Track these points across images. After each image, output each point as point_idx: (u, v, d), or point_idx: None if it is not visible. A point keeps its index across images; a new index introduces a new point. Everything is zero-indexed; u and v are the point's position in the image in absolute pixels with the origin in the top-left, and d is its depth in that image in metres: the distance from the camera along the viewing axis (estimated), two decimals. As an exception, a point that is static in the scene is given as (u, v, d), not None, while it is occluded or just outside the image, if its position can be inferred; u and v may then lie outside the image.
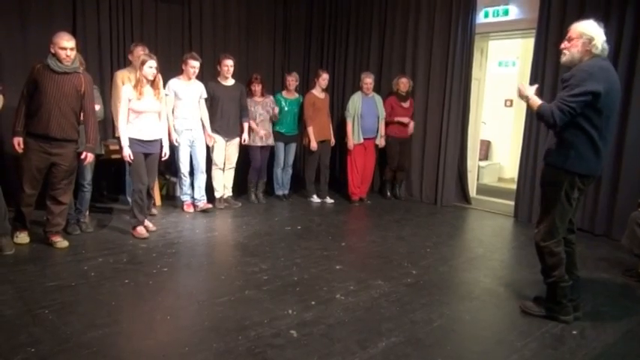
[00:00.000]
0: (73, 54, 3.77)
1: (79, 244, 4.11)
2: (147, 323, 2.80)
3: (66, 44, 3.71)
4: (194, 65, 5.07)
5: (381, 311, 3.07)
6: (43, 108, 3.72)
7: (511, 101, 8.57)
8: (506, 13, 5.90)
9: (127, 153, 4.20)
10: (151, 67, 4.18)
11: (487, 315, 3.15)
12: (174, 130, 5.11)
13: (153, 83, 4.26)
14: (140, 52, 4.66)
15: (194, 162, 5.32)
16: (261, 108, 5.84)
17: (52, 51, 3.74)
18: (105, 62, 5.71)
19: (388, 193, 6.61)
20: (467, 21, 6.01)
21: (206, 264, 3.88)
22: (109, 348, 2.49)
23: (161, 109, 4.38)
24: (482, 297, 3.39)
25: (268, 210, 5.77)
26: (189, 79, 5.14)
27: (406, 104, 6.29)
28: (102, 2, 5.62)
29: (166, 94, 5.07)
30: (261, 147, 5.91)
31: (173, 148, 5.16)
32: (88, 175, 4.41)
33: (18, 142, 3.77)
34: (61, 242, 4.02)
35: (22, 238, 4.02)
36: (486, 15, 6.07)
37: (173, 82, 5.13)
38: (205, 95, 5.31)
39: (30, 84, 3.74)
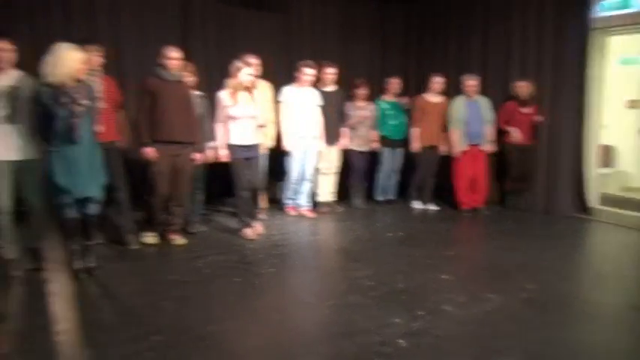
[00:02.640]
0: (179, 64, 4.09)
1: (193, 243, 4.37)
2: (258, 322, 2.89)
3: (173, 54, 4.06)
4: (308, 73, 5.17)
5: (494, 327, 2.88)
6: (165, 115, 4.02)
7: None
8: (627, 5, 5.31)
9: (223, 154, 4.43)
10: (248, 73, 4.32)
11: (618, 340, 2.82)
12: (288, 137, 5.22)
13: (248, 89, 4.37)
14: (249, 60, 4.84)
15: (302, 169, 5.42)
16: (363, 113, 5.84)
17: (161, 62, 4.07)
18: (214, 72, 6.09)
19: (509, 205, 6.12)
20: (582, 16, 5.49)
21: (311, 267, 3.94)
22: (224, 342, 2.61)
23: (257, 113, 4.44)
24: (611, 319, 3.05)
25: (370, 215, 5.73)
26: (304, 86, 5.25)
27: (527, 110, 5.83)
28: (209, 20, 6.01)
29: (279, 101, 5.23)
30: (362, 152, 5.92)
31: (284, 154, 5.30)
32: (201, 178, 4.69)
33: (152, 152, 4.03)
34: (179, 240, 4.31)
35: (151, 239, 4.25)
36: (605, 8, 5.51)
37: (287, 90, 5.27)
38: (321, 102, 5.36)
39: (146, 96, 4.03)
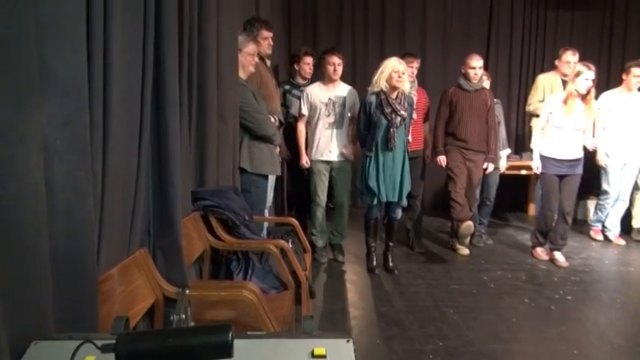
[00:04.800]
0: (480, 72, 4.02)
1: (478, 254, 4.25)
2: (550, 351, 2.59)
3: (475, 64, 3.98)
4: (638, 74, 4.31)
5: None
6: (461, 125, 4.04)
7: None
8: None
9: (536, 165, 3.99)
10: (587, 79, 3.71)
11: None
12: (603, 149, 4.48)
13: (584, 97, 3.81)
14: (570, 57, 4.40)
15: (617, 187, 4.57)
16: None
17: (463, 71, 4.07)
18: (513, 83, 5.94)
19: None
20: None
21: (620, 302, 3.30)
22: (509, 365, 2.44)
23: (587, 126, 3.90)
24: None
25: None
26: (630, 90, 4.42)
27: None
28: (515, 24, 5.85)
29: (597, 109, 4.53)
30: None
31: (596, 168, 4.63)
32: (493, 190, 4.50)
33: (443, 159, 4.11)
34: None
35: (462, 250, 4.26)
36: None
37: (608, 95, 4.53)
38: None
39: (444, 105, 4.12)
